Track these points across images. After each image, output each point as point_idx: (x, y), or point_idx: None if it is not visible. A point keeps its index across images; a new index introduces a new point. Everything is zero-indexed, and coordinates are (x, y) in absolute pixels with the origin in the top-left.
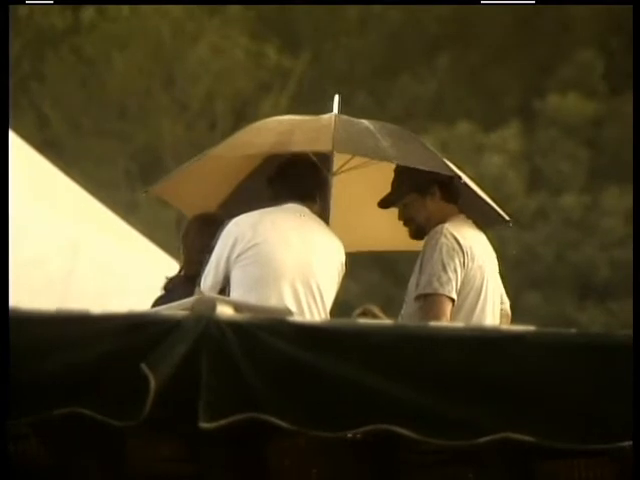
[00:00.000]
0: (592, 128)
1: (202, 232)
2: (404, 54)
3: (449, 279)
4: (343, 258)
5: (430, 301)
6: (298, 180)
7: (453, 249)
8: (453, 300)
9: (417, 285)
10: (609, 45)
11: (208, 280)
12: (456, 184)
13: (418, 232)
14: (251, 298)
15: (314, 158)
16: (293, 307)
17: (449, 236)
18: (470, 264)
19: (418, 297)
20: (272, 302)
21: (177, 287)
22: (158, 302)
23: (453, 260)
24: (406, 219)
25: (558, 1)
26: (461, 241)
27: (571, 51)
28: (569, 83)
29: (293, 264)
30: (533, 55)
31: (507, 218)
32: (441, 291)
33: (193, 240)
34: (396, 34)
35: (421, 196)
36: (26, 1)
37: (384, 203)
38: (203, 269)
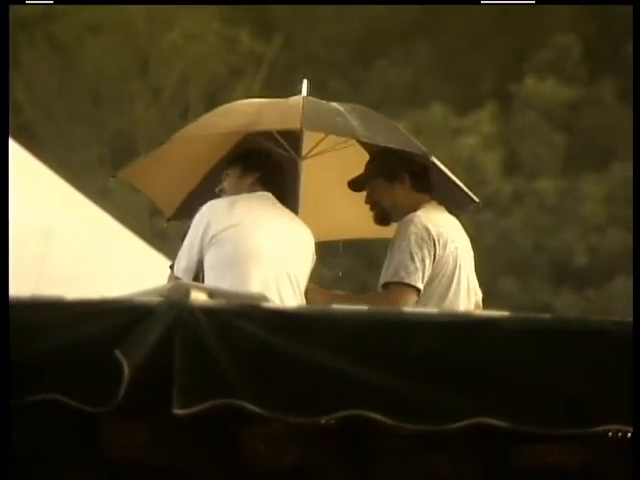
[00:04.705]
0: (569, 113)
1: None
2: (380, 39)
3: (416, 269)
4: (313, 247)
5: (394, 290)
6: (267, 172)
7: (422, 239)
8: (419, 290)
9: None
10: (585, 30)
11: (181, 263)
12: (430, 176)
13: (382, 217)
14: (227, 278)
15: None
16: (266, 291)
17: (419, 225)
18: (441, 252)
19: (384, 285)
20: (249, 283)
21: None
22: None
23: (422, 250)
24: (372, 203)
25: (558, 1)
26: (432, 230)
27: (548, 35)
28: (546, 67)
29: (268, 249)
30: (510, 39)
31: (476, 199)
32: (407, 280)
33: None
34: (372, 19)
35: (389, 181)
36: (26, 1)
37: (352, 184)
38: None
